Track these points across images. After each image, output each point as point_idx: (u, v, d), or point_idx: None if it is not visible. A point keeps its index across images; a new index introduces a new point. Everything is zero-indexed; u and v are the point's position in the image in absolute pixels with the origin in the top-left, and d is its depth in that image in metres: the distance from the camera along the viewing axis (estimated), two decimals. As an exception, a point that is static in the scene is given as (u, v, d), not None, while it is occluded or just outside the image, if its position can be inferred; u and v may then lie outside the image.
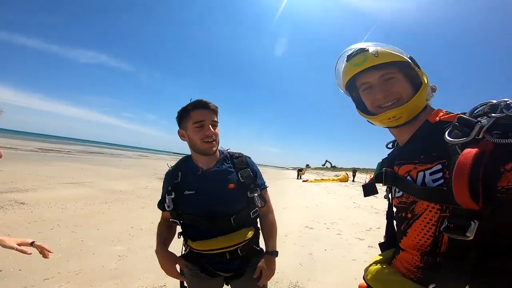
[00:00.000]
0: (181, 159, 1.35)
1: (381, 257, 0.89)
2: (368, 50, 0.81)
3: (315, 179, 24.08)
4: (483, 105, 0.65)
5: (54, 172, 10.02)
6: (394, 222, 0.90)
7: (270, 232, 1.37)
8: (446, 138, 0.63)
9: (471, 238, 0.56)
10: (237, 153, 1.36)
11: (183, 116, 1.24)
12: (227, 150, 1.37)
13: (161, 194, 1.30)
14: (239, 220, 1.22)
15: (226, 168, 1.28)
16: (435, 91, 0.84)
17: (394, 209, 0.90)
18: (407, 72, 0.80)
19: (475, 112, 0.65)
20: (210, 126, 1.20)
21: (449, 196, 0.59)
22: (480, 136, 0.59)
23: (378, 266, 0.84)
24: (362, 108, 0.91)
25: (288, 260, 3.66)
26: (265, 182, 1.38)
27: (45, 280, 2.47)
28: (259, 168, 1.38)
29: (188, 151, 1.34)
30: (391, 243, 0.90)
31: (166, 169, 1.35)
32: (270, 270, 1.29)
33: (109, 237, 3.88)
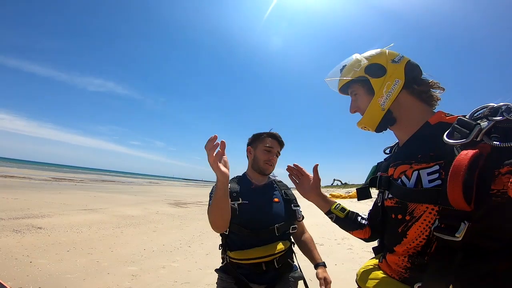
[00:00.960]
0: (237, 177, 1.55)
1: (374, 260, 0.91)
2: (341, 72, 0.94)
3: (331, 194, 23.45)
4: (483, 107, 0.65)
5: (68, 199, 10.26)
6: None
7: (313, 244, 1.49)
8: (445, 139, 0.64)
9: (460, 239, 0.57)
10: (279, 180, 1.60)
11: (257, 138, 1.52)
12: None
13: (211, 197, 1.40)
14: (281, 231, 1.35)
15: (273, 186, 1.52)
16: (436, 87, 0.85)
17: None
18: (365, 86, 0.87)
19: (475, 114, 0.66)
20: (276, 154, 1.49)
21: (443, 196, 0.60)
22: (478, 139, 0.59)
23: (367, 268, 0.88)
24: None
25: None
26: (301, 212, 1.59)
27: (65, 295, 2.55)
28: None
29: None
30: (382, 247, 0.92)
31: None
32: (328, 280, 1.32)
33: (123, 258, 3.96)
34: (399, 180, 0.77)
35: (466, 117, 0.66)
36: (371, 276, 0.82)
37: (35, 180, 19.72)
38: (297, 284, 1.38)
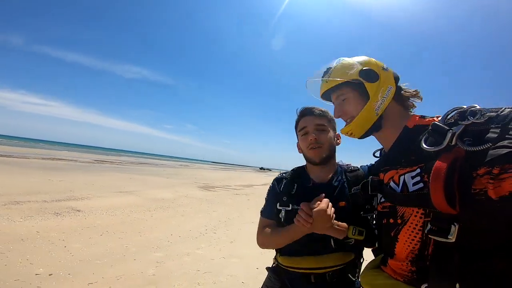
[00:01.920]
0: (295, 169, 1.24)
1: (375, 263, 0.91)
2: (326, 74, 0.91)
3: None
4: (454, 110, 0.69)
5: (107, 181, 10.99)
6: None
7: None
8: (423, 146, 0.68)
9: (453, 240, 0.59)
10: (353, 166, 1.19)
11: (295, 128, 1.22)
12: (346, 164, 1.22)
13: (266, 200, 1.24)
14: (340, 244, 1.05)
15: (340, 183, 1.13)
16: (416, 97, 0.88)
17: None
18: (358, 89, 0.86)
19: (447, 117, 0.69)
20: (314, 130, 1.13)
21: (427, 200, 0.62)
22: (453, 143, 0.62)
23: (372, 271, 0.87)
24: None
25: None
26: None
27: (89, 284, 2.64)
28: None
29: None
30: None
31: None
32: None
33: (150, 243, 4.07)
34: (388, 185, 0.82)
35: (439, 120, 0.70)
36: (377, 280, 0.83)
37: (80, 162, 21.51)
38: None
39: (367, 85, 0.84)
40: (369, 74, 0.85)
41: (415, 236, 0.72)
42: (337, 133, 1.20)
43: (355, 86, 0.86)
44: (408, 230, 0.73)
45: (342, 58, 0.92)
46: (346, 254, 1.07)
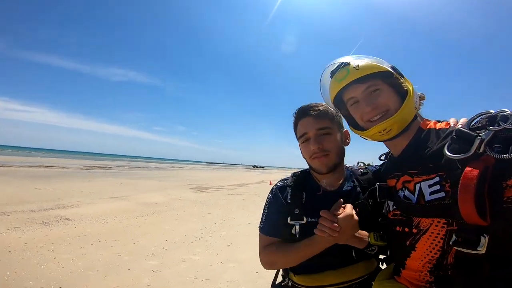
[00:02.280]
0: (297, 175, 1.10)
1: (388, 271, 0.87)
2: (349, 64, 0.80)
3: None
4: (480, 115, 0.65)
5: (96, 187, 10.70)
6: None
7: None
8: (446, 153, 0.63)
9: (483, 252, 0.56)
10: (363, 168, 1.10)
11: (294, 130, 1.07)
12: (358, 165, 1.14)
13: (265, 215, 1.06)
14: (361, 254, 0.96)
15: (353, 188, 1.02)
16: (423, 99, 0.83)
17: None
18: (391, 82, 0.79)
19: (473, 123, 0.65)
20: (316, 137, 0.97)
21: (453, 211, 0.59)
22: (481, 151, 0.58)
23: (386, 282, 0.83)
24: (353, 124, 0.89)
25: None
26: None
27: (82, 298, 2.51)
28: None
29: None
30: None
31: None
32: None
33: (144, 251, 3.94)
34: (402, 194, 0.77)
35: (464, 127, 0.65)
36: None
37: (68, 169, 20.94)
38: None
39: (402, 80, 0.79)
40: (398, 70, 0.80)
41: (435, 246, 0.68)
42: (345, 129, 1.05)
43: (386, 78, 0.78)
44: (428, 239, 0.69)
45: (356, 56, 0.83)
46: (369, 262, 1.00)
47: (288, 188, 1.05)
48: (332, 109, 0.98)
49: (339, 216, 0.86)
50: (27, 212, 5.70)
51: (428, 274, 0.71)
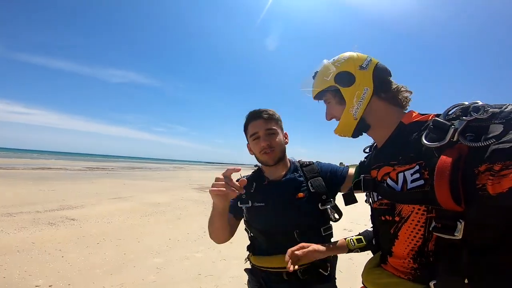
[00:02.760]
0: (254, 170, 1.32)
1: (375, 261, 0.91)
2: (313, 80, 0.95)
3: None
4: (455, 106, 0.68)
5: (100, 188, 10.81)
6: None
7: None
8: (423, 142, 0.66)
9: (460, 237, 0.59)
10: (307, 161, 1.29)
11: (245, 131, 1.26)
12: (298, 160, 1.32)
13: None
14: (305, 237, 1.09)
15: (296, 177, 1.21)
16: (402, 92, 0.87)
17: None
18: (339, 94, 0.87)
19: (449, 113, 0.68)
20: (265, 136, 1.18)
21: (432, 197, 0.62)
22: (455, 139, 0.61)
23: (375, 270, 0.87)
24: None
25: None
26: (342, 167, 1.26)
27: (90, 294, 2.60)
28: None
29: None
30: (379, 246, 0.94)
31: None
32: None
33: (149, 249, 4.03)
34: (385, 183, 0.80)
35: (440, 117, 0.69)
36: (381, 278, 0.82)
37: (71, 170, 21.06)
38: None
39: (342, 90, 0.86)
40: (343, 78, 0.86)
41: (416, 233, 0.71)
42: (285, 132, 1.27)
43: (334, 92, 0.88)
44: (409, 227, 0.73)
45: (325, 60, 0.93)
46: None
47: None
48: (277, 115, 1.24)
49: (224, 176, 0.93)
50: (33, 213, 5.80)
51: (411, 261, 0.74)
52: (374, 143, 0.96)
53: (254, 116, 1.20)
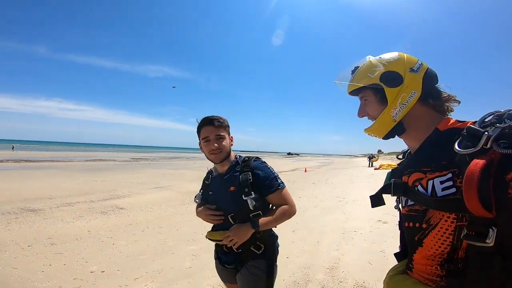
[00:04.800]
0: (213, 167, 1.60)
1: (399, 268, 0.89)
2: (353, 75, 0.91)
3: (388, 164, 21.94)
4: (491, 114, 0.67)
5: (143, 178, 11.76)
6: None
7: (272, 213, 1.39)
8: (456, 149, 0.66)
9: (491, 244, 0.58)
10: (248, 157, 1.52)
11: (198, 133, 1.50)
12: (245, 157, 1.55)
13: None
14: (237, 219, 1.39)
15: (232, 173, 1.47)
16: (452, 100, 0.85)
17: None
18: (378, 94, 0.85)
19: (484, 121, 0.67)
20: (214, 140, 1.41)
21: (463, 205, 0.61)
22: (488, 146, 0.61)
23: (399, 277, 0.86)
24: None
25: (355, 258, 3.48)
26: (278, 183, 1.43)
27: (135, 279, 2.94)
28: (270, 167, 1.49)
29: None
30: (406, 253, 0.90)
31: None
32: (234, 233, 1.34)
33: (186, 237, 4.36)
34: (416, 189, 0.78)
35: (476, 124, 0.68)
36: (405, 285, 0.81)
37: (118, 161, 23.09)
38: (261, 273, 1.38)
39: (387, 90, 0.82)
40: (391, 78, 0.82)
41: (444, 241, 0.70)
42: (231, 135, 1.52)
43: (376, 91, 0.85)
44: (437, 235, 0.72)
45: (369, 56, 0.90)
46: None
47: (206, 174, 1.65)
48: (226, 122, 1.48)
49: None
50: (88, 203, 6.57)
51: (439, 268, 0.73)
52: (408, 149, 0.96)
53: (207, 123, 1.43)
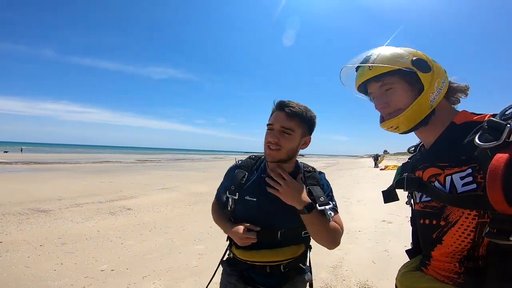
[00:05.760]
0: (252, 157, 1.29)
1: (412, 264, 0.86)
2: (368, 62, 0.82)
3: (394, 165, 21.79)
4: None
5: (149, 180, 11.90)
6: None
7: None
8: (476, 142, 0.63)
9: None
10: (310, 167, 1.26)
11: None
12: (307, 166, 1.28)
13: (221, 184, 1.31)
14: (286, 237, 1.14)
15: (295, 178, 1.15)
16: (465, 92, 0.83)
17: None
18: (409, 79, 0.78)
19: (505, 113, 0.65)
20: (277, 132, 1.10)
21: (486, 201, 0.58)
22: (510, 139, 0.59)
23: (413, 274, 0.83)
24: None
25: (359, 257, 3.51)
26: (336, 204, 1.17)
27: (144, 277, 3.01)
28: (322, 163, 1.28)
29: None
30: (418, 249, 0.89)
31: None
32: (289, 189, 1.06)
33: (192, 237, 4.43)
34: (433, 185, 0.75)
35: (496, 117, 0.65)
36: (420, 282, 0.78)
37: (125, 163, 23.36)
38: (305, 286, 1.21)
39: (421, 75, 0.77)
40: (422, 64, 0.78)
41: (465, 238, 0.68)
42: (308, 137, 1.17)
43: (406, 76, 0.78)
44: (457, 232, 0.69)
45: (382, 47, 0.84)
46: (299, 246, 1.18)
47: (236, 168, 1.28)
48: (306, 114, 1.12)
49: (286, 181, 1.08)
50: (96, 203, 6.69)
51: (457, 265, 0.71)
52: (420, 142, 0.93)
53: (279, 107, 1.13)
